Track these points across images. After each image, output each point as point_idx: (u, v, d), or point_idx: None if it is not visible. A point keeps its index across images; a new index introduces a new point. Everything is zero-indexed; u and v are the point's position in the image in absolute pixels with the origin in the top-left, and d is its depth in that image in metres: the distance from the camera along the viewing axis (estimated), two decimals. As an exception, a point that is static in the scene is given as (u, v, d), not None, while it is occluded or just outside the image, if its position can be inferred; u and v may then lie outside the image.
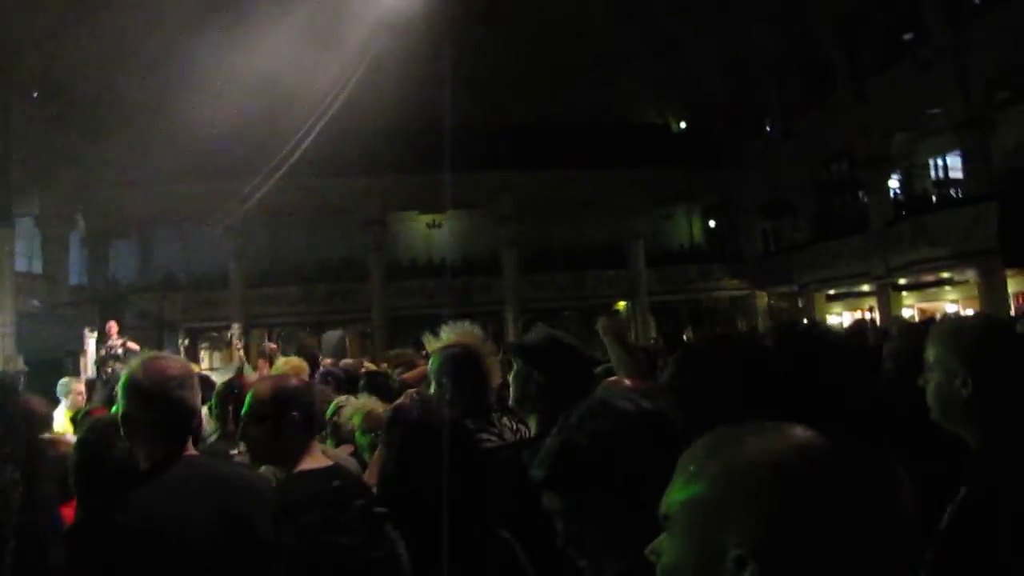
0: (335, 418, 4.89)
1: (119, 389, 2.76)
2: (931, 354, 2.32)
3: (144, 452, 2.69)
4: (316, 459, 3.26)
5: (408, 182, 30.37)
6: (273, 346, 16.47)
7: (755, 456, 1.00)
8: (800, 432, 1.01)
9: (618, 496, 1.62)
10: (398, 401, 3.50)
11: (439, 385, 3.75)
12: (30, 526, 2.62)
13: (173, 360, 2.82)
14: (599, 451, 1.68)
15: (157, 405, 2.66)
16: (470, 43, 24.39)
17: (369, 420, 4.39)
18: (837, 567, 0.94)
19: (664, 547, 1.05)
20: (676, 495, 1.05)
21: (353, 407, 4.85)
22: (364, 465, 4.07)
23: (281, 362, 6.34)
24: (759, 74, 30.96)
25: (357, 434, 4.53)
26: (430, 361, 3.97)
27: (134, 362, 2.77)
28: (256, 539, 2.61)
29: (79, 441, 3.56)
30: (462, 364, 3.75)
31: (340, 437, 4.85)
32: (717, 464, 1.02)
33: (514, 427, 3.74)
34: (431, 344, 4.10)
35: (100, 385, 13.05)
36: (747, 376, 1.73)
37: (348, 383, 7.17)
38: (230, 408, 4.78)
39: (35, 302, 23.98)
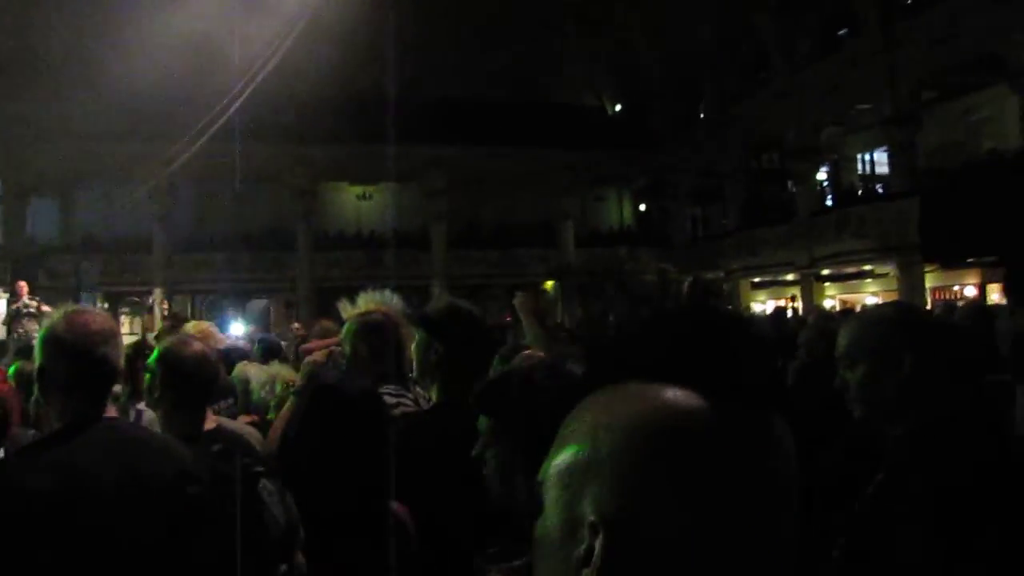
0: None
1: (37, 342, 2.61)
2: (857, 343, 2.30)
3: (59, 410, 2.53)
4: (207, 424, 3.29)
5: (340, 152, 30.14)
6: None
7: (617, 416, 0.93)
8: (671, 392, 0.93)
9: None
10: (309, 359, 3.45)
11: (353, 351, 3.71)
12: None
13: (97, 315, 2.66)
14: None
15: (78, 360, 2.50)
16: (408, 11, 24.15)
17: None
18: (694, 537, 0.88)
19: (541, 517, 0.99)
20: (550, 460, 0.98)
21: (265, 374, 4.81)
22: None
23: (190, 326, 6.23)
24: (695, 60, 31.19)
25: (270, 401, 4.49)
26: (344, 328, 3.92)
27: (55, 314, 2.61)
28: (168, 508, 2.45)
29: None
30: (377, 330, 3.72)
31: (247, 406, 4.80)
32: (583, 425, 0.96)
33: (428, 397, 3.71)
34: (347, 311, 4.05)
35: (11, 344, 12.70)
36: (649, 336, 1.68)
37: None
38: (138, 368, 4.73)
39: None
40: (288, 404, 3.87)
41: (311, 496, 2.52)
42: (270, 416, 4.40)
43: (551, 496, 0.95)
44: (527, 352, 4.27)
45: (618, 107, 36.97)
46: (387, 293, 4.14)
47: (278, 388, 4.57)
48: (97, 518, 2.33)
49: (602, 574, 0.87)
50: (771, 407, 0.96)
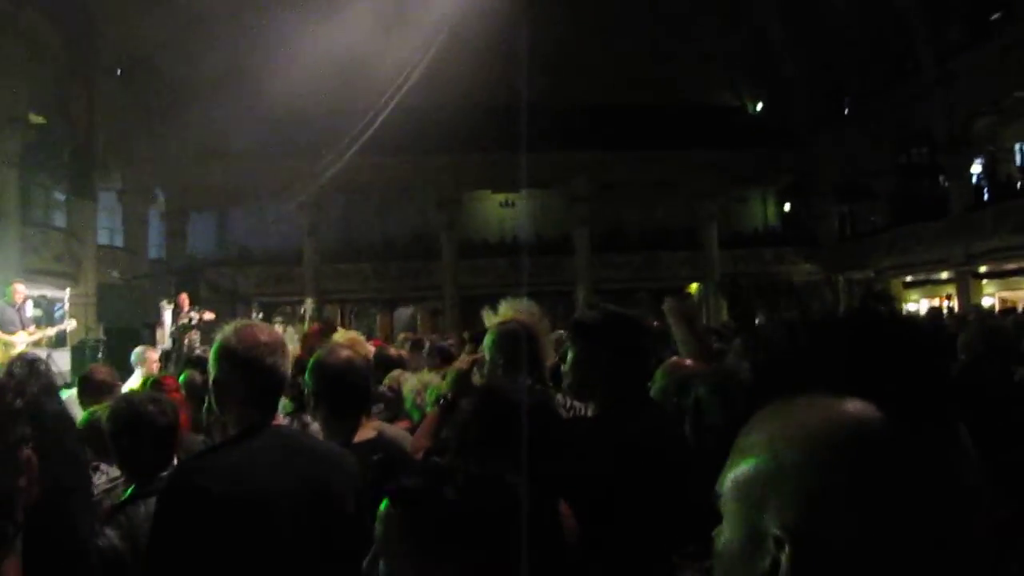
0: (390, 393, 4.92)
1: (211, 355, 2.76)
2: None
3: (233, 418, 2.68)
4: (363, 431, 3.37)
5: (482, 160, 30.45)
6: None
7: (798, 429, 0.93)
8: (852, 405, 0.93)
9: None
10: (454, 367, 3.50)
11: (491, 360, 3.74)
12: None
13: (265, 328, 2.80)
14: None
15: (248, 371, 2.64)
16: (547, 20, 24.26)
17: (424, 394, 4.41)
18: (882, 550, 0.87)
19: (720, 529, 0.99)
20: (727, 473, 0.99)
21: (418, 381, 4.88)
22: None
23: (339, 335, 6.39)
24: (838, 54, 30.35)
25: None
26: (485, 337, 3.95)
27: (227, 328, 2.75)
28: (340, 513, 2.59)
29: (110, 412, 3.62)
30: (511, 339, 3.74)
31: (396, 412, 4.89)
32: (761, 438, 0.96)
33: (567, 404, 3.71)
34: (490, 319, 4.09)
35: (175, 356, 13.32)
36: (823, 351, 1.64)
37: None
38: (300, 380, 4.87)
39: (115, 274, 24.58)
40: (431, 411, 3.97)
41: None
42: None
43: (730, 509, 0.97)
44: (674, 359, 4.24)
45: (759, 105, 36.27)
46: (526, 301, 4.17)
47: (429, 395, 4.64)
48: (265, 519, 2.45)
49: None
50: (951, 417, 0.95)
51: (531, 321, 3.93)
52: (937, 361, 1.04)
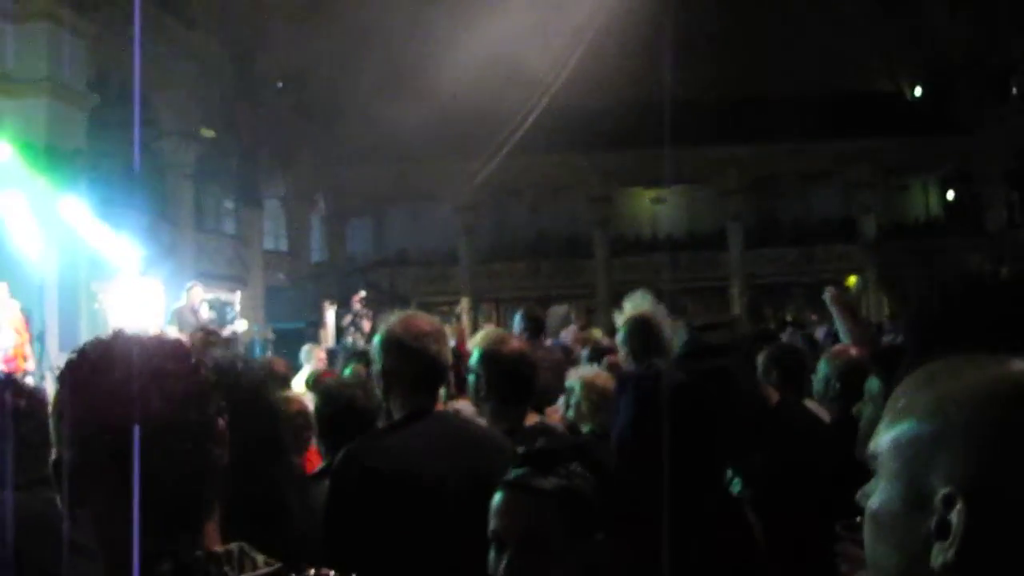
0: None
1: (376, 345, 2.91)
2: None
3: (399, 404, 2.83)
4: (530, 420, 3.49)
5: (632, 157, 30.31)
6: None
7: (966, 388, 0.92)
8: (1016, 363, 0.93)
9: None
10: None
11: (625, 350, 3.86)
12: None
13: (428, 318, 2.96)
14: None
15: (413, 359, 2.79)
16: (694, 13, 24.03)
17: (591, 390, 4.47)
18: None
19: (872, 489, 0.99)
20: (884, 433, 0.98)
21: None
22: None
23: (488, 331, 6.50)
24: (1002, 30, 28.95)
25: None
26: (619, 331, 4.10)
27: (392, 319, 2.90)
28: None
29: (324, 394, 3.86)
30: (640, 329, 3.86)
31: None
32: (926, 398, 0.95)
33: None
34: (620, 317, 4.23)
35: (341, 353, 13.83)
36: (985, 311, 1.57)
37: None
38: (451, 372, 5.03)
39: (281, 276, 25.60)
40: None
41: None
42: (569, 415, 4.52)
43: (889, 469, 0.96)
44: (839, 346, 4.25)
45: (917, 90, 34.89)
46: (642, 296, 4.28)
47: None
48: (429, 499, 2.61)
49: (964, 545, 0.86)
50: None
51: (651, 313, 4.05)
52: None
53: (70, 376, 1.25)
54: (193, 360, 1.29)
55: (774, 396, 3.73)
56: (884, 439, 0.98)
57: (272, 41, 23.74)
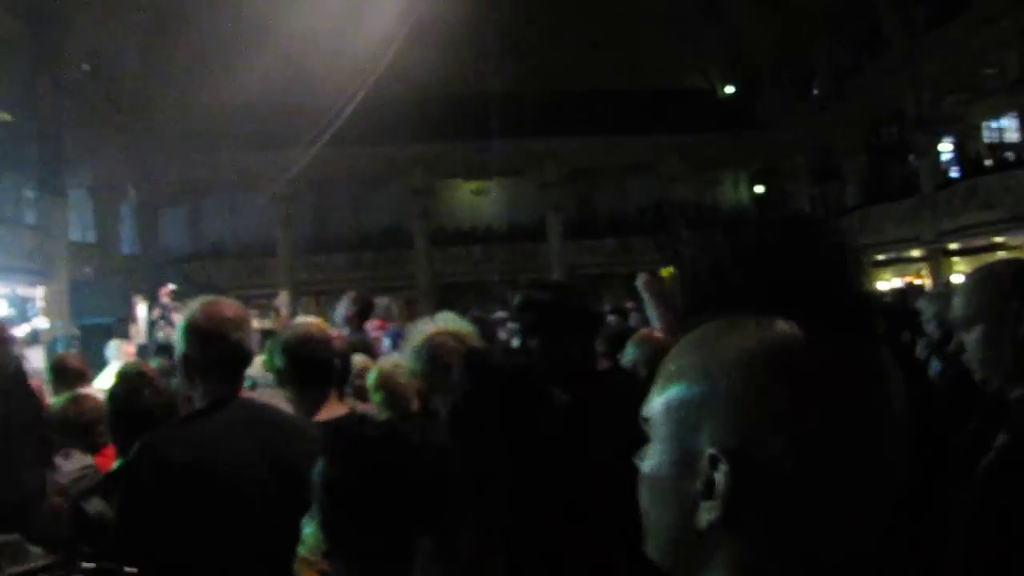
0: (358, 381, 4.91)
1: (177, 331, 2.82)
2: (972, 303, 2.19)
3: (200, 391, 2.75)
4: (332, 409, 3.40)
5: (453, 149, 30.48)
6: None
7: (730, 350, 0.95)
8: (782, 325, 0.95)
9: None
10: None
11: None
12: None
13: (230, 303, 2.85)
14: None
15: (215, 345, 2.71)
16: (513, 7, 24.28)
17: (380, 377, 4.41)
18: (815, 468, 0.89)
19: (645, 453, 1.01)
20: (656, 397, 1.00)
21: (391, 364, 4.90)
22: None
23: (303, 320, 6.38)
24: (806, 34, 30.49)
25: (371, 392, 4.54)
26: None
27: (193, 305, 2.81)
28: (304, 484, 2.64)
29: (109, 393, 3.69)
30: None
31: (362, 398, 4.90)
32: (692, 361, 0.98)
33: None
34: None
35: (152, 348, 13.30)
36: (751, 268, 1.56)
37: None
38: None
39: (88, 270, 24.42)
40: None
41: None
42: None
43: (660, 433, 0.98)
44: (645, 331, 4.31)
45: (728, 88, 36.35)
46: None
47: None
48: (230, 488, 2.54)
49: (728, 504, 0.89)
50: (875, 335, 0.97)
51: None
52: (859, 278, 1.07)
53: None
54: None
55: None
56: (656, 403, 1.00)
57: (78, 21, 22.67)
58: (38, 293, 19.81)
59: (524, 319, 3.10)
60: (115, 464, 3.56)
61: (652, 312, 4.68)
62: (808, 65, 32.10)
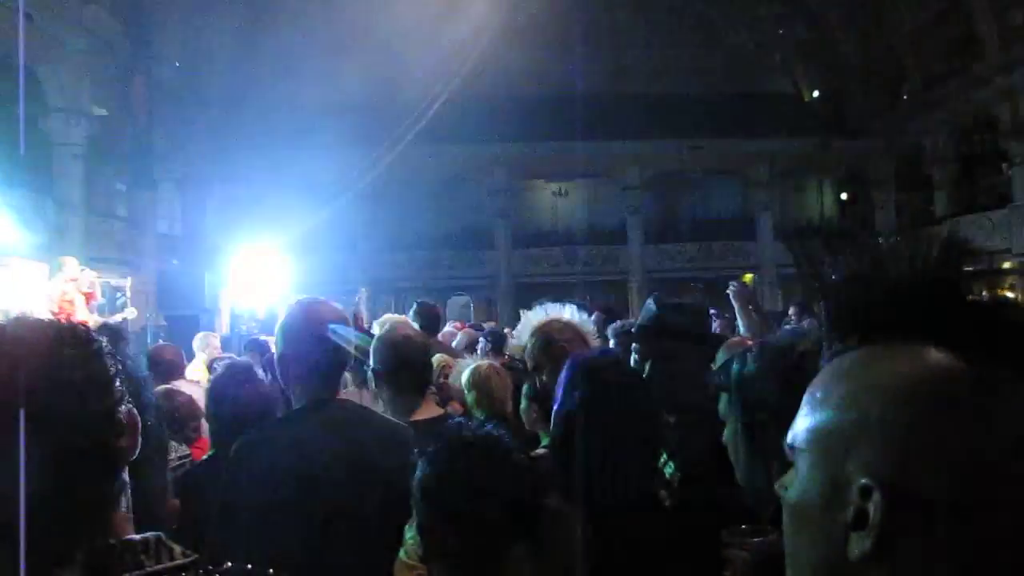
0: (440, 379, 4.92)
1: (277, 332, 2.84)
2: None
3: (298, 392, 2.76)
4: (428, 410, 3.42)
5: (535, 150, 30.48)
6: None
7: (883, 378, 0.92)
8: (938, 355, 0.92)
9: None
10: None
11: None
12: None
13: (330, 306, 2.86)
14: None
15: (312, 347, 2.71)
16: (599, 8, 24.22)
17: (475, 376, 4.41)
18: (974, 499, 0.86)
19: (790, 480, 0.99)
20: (801, 424, 0.98)
21: (462, 366, 4.90)
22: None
23: (387, 317, 6.39)
24: (897, 38, 29.87)
25: (465, 392, 4.54)
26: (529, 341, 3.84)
27: (293, 306, 2.83)
28: (393, 486, 2.64)
29: (211, 386, 3.75)
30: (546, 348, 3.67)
31: (446, 397, 4.90)
32: (843, 388, 0.95)
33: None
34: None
35: (236, 340, 13.53)
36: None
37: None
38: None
39: (175, 262, 24.95)
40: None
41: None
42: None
43: (807, 461, 0.96)
44: (735, 338, 4.25)
45: (815, 93, 35.76)
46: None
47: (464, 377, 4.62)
48: (323, 488, 2.54)
49: (881, 535, 0.87)
50: None
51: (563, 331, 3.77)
52: (1015, 315, 1.03)
53: None
54: (94, 347, 1.22)
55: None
56: (801, 429, 0.98)
57: (171, 20, 23.18)
58: (127, 284, 20.27)
59: (649, 343, 3.11)
60: (208, 453, 3.61)
61: (742, 319, 4.67)
62: (898, 70, 31.41)
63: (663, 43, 29.47)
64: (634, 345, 3.81)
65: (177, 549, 1.19)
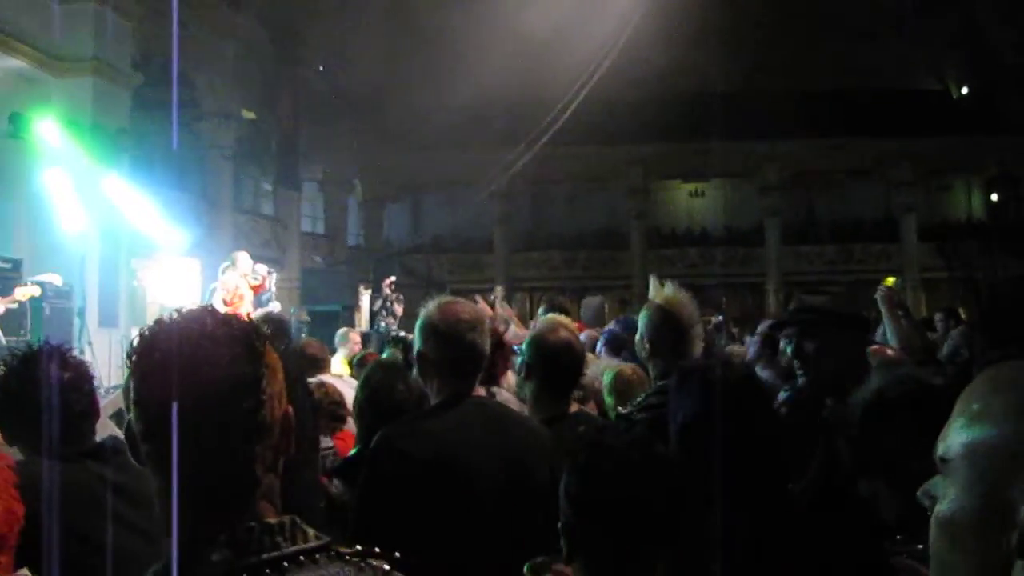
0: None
1: (416, 329, 2.93)
2: None
3: (435, 388, 2.85)
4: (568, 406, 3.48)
5: (671, 150, 30.25)
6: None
7: None
8: None
9: None
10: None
11: (641, 339, 3.69)
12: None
13: (467, 305, 2.94)
14: None
15: (450, 345, 2.80)
16: (738, 5, 23.87)
17: (619, 380, 4.44)
18: None
19: (940, 492, 0.93)
20: (956, 436, 0.92)
21: (601, 367, 4.91)
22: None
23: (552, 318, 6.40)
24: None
25: (605, 394, 4.56)
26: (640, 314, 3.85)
27: (431, 305, 2.90)
28: (533, 484, 2.69)
29: (363, 381, 3.90)
30: (668, 324, 3.63)
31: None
32: (1003, 403, 0.88)
33: None
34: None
35: (374, 336, 13.89)
36: None
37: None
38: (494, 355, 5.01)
39: (317, 259, 25.74)
40: None
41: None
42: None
43: (963, 476, 0.90)
44: (876, 347, 4.19)
45: (964, 89, 34.37)
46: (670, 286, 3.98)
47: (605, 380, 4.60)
48: (463, 484, 2.63)
49: None
50: None
51: (678, 305, 3.77)
52: None
53: (135, 352, 1.27)
54: (253, 342, 1.30)
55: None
56: (956, 443, 0.92)
57: (314, 25, 23.87)
58: (272, 279, 20.98)
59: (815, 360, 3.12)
60: (353, 450, 3.76)
61: (889, 325, 4.51)
62: (1054, 65, 29.99)
63: (801, 39, 28.76)
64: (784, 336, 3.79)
65: (311, 532, 1.27)
